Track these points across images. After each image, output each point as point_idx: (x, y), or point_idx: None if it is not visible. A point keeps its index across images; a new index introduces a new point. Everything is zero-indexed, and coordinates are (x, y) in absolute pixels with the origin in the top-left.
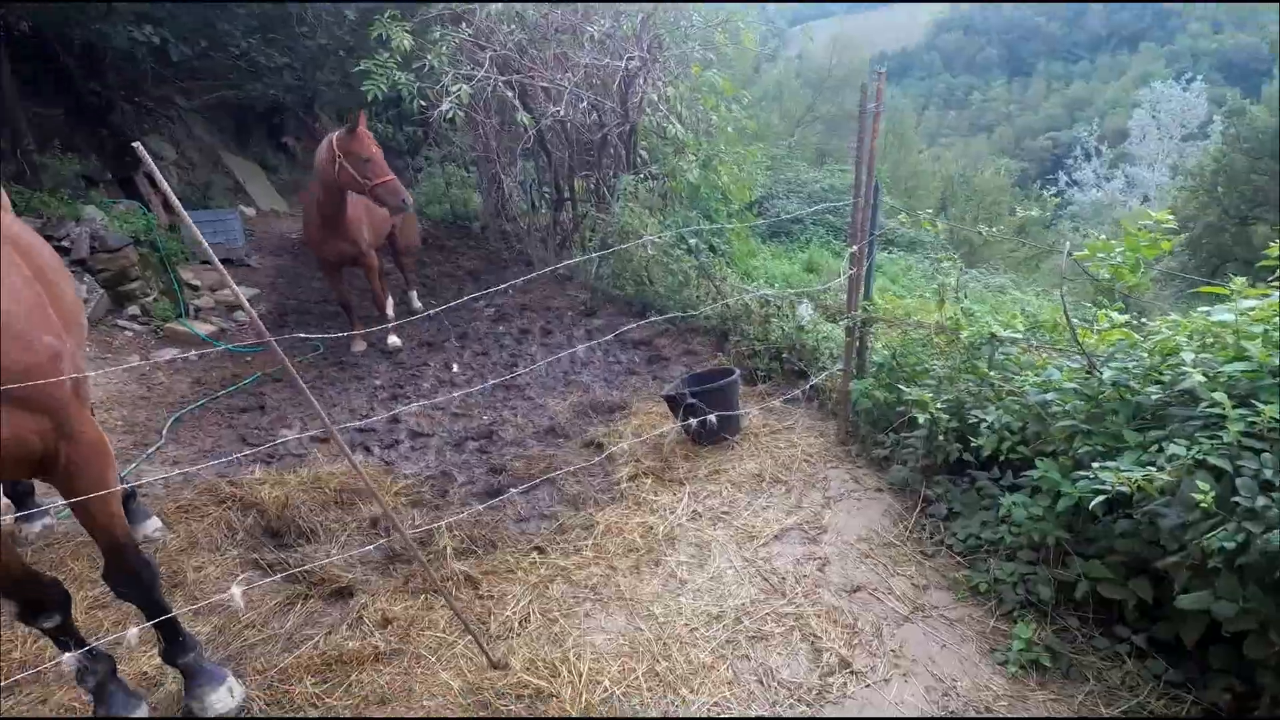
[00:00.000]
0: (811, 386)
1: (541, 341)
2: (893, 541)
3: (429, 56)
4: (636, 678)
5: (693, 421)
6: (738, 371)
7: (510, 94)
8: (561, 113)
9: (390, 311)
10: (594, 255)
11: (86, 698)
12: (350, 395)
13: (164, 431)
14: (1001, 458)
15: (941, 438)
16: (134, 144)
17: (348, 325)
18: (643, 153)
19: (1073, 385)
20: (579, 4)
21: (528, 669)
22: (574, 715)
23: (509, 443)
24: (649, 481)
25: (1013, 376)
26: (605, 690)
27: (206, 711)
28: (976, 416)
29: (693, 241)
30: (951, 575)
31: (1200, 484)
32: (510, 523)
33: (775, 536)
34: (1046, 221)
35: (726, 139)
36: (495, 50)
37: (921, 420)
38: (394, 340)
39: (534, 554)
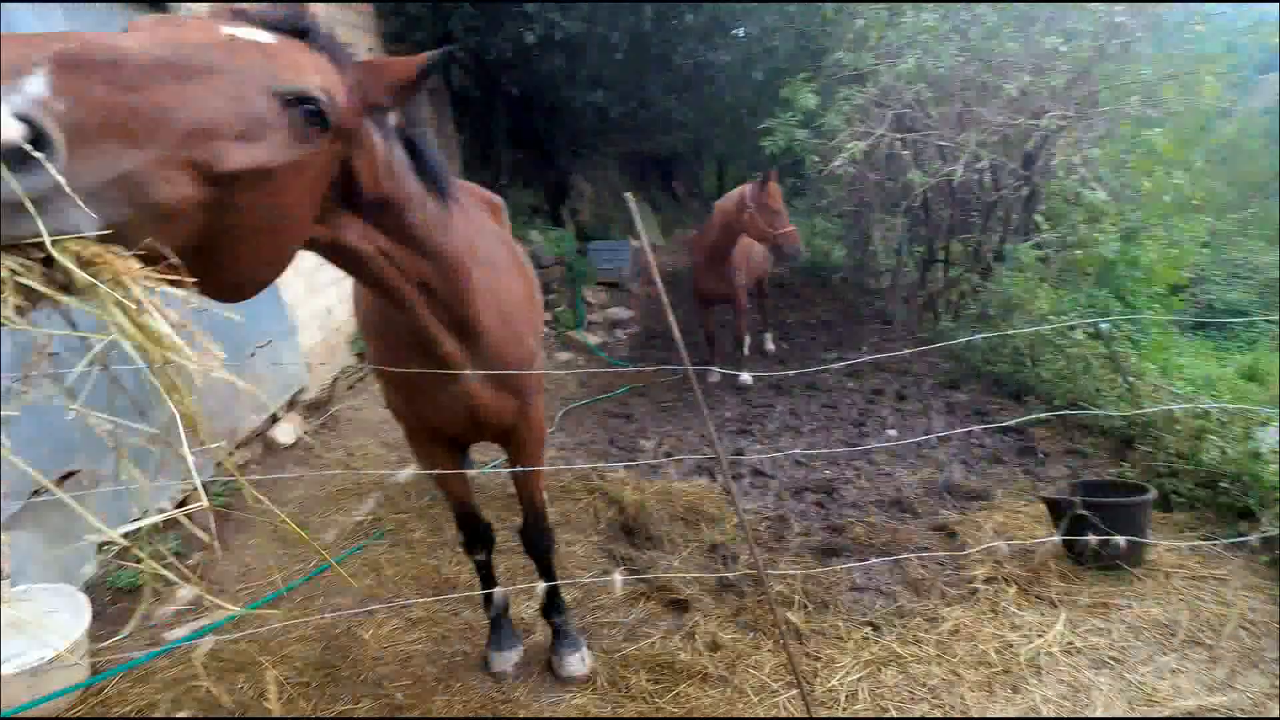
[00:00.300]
0: (1264, 537)
1: (895, 406)
2: None
3: (829, 115)
4: None
5: (1091, 538)
6: (1152, 490)
7: (905, 152)
8: (959, 172)
9: (746, 350)
10: (988, 335)
11: (484, 622)
12: (700, 422)
13: (557, 419)
14: None
15: None
16: (626, 194)
17: (705, 355)
18: (1038, 218)
19: None
20: (994, 61)
21: None
22: None
23: (849, 504)
24: (1011, 591)
25: None
26: None
27: (562, 670)
28: None
29: (1105, 326)
30: None
31: None
32: (844, 588)
33: (1189, 712)
34: None
35: (1160, 209)
36: (895, 109)
37: None
38: (746, 377)
39: (867, 629)
